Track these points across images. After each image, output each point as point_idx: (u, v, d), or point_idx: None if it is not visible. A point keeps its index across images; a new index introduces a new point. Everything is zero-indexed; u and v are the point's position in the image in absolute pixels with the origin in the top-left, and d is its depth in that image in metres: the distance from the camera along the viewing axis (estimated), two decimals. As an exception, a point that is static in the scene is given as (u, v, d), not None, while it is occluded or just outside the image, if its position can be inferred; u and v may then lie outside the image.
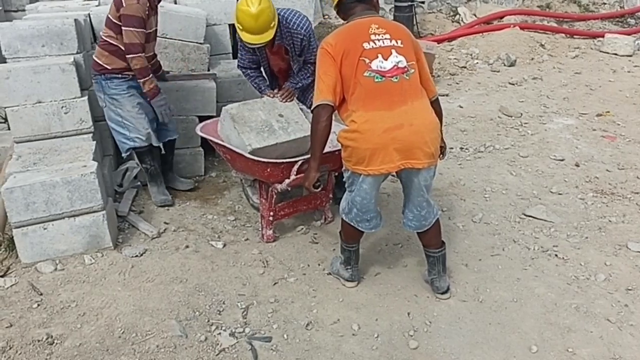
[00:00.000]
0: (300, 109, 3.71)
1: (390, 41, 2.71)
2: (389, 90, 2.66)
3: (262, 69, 3.86)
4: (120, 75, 3.74)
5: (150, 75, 3.71)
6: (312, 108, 2.80)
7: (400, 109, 2.67)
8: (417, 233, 3.05)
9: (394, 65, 2.68)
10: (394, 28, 2.81)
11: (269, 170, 3.31)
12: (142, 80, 3.68)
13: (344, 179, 2.96)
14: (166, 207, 3.96)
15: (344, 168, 2.90)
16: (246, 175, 3.86)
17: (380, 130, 2.65)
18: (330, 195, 3.80)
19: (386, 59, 2.68)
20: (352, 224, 2.99)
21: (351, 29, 2.77)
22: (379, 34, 2.71)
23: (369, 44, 2.68)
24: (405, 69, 2.70)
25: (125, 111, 3.79)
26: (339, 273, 3.18)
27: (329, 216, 3.80)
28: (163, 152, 4.04)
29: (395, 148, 2.66)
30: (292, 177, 3.27)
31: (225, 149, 3.54)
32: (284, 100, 3.70)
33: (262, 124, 3.52)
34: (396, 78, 2.67)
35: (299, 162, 3.26)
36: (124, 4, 3.56)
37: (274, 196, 3.46)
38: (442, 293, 3.05)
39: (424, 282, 3.17)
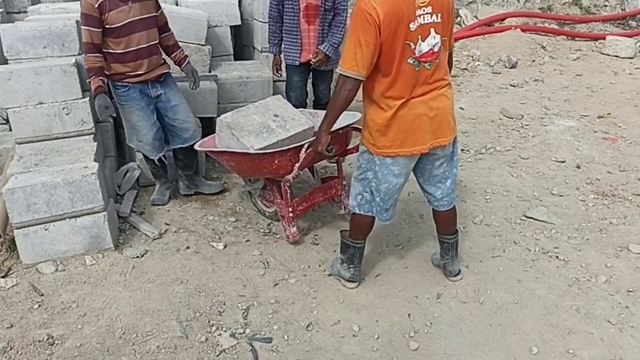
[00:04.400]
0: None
1: (431, 17, 2.56)
2: (424, 79, 2.63)
3: (291, 8, 4.22)
4: (119, 83, 3.63)
5: (93, 76, 3.45)
6: (341, 72, 2.60)
7: (430, 95, 2.69)
8: (438, 217, 3.10)
9: (430, 49, 2.58)
10: None
11: (276, 161, 3.29)
12: (87, 80, 3.52)
13: (356, 171, 2.95)
14: (167, 209, 3.96)
15: (361, 150, 2.89)
16: (254, 185, 3.83)
17: (413, 116, 2.66)
18: (344, 183, 3.78)
19: (424, 40, 2.56)
20: (369, 214, 2.98)
21: None
22: (422, 7, 2.52)
23: (414, 23, 2.51)
24: (439, 54, 2.63)
25: (127, 117, 3.74)
26: (340, 274, 3.18)
27: (347, 204, 3.71)
28: (164, 162, 3.92)
29: (426, 130, 2.70)
30: (302, 160, 3.24)
31: (228, 155, 3.51)
32: (316, 65, 4.22)
33: (259, 126, 3.52)
34: (429, 65, 2.61)
35: (305, 145, 3.26)
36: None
37: (288, 191, 3.44)
38: (455, 275, 3.20)
39: (424, 281, 3.18)
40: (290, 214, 3.50)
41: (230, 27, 5.20)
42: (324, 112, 3.92)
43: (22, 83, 3.56)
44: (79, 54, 3.83)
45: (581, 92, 6.68)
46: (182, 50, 4.01)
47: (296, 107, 4.32)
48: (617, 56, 8.22)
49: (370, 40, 2.48)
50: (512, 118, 5.78)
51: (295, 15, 4.24)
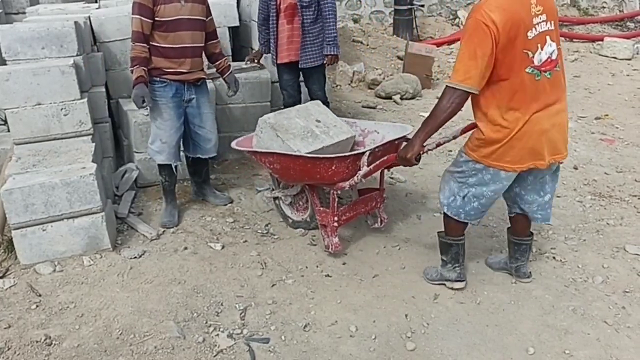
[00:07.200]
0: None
1: (546, 24, 2.52)
2: (545, 89, 2.55)
3: (271, 9, 4.34)
4: (158, 79, 3.60)
5: (137, 65, 3.50)
6: (451, 85, 2.54)
7: (553, 108, 2.61)
8: (519, 222, 3.05)
9: (548, 57, 2.53)
10: (550, 5, 2.56)
11: (334, 167, 3.14)
12: (130, 69, 3.55)
13: (455, 169, 2.86)
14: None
15: (464, 159, 2.79)
16: (287, 192, 3.66)
17: (537, 133, 2.58)
18: (385, 195, 3.70)
19: (542, 49, 2.51)
20: (461, 219, 2.90)
21: (514, 4, 2.44)
22: (538, 15, 2.48)
23: (532, 31, 2.47)
24: (557, 61, 2.57)
25: (156, 115, 3.67)
26: (444, 277, 3.09)
27: (385, 217, 3.66)
28: (174, 172, 3.82)
29: (547, 146, 2.64)
30: (364, 168, 3.12)
31: (274, 157, 3.35)
32: (329, 65, 4.40)
33: (303, 130, 3.45)
34: (549, 74, 2.54)
35: (367, 153, 3.18)
36: None
37: (336, 199, 3.31)
38: (528, 277, 3.16)
39: (421, 282, 3.17)
40: (335, 224, 3.35)
41: (229, 28, 5.21)
42: (363, 122, 3.85)
43: (21, 84, 3.57)
44: (77, 55, 3.84)
45: (579, 94, 6.70)
46: (227, 59, 4.04)
47: (289, 104, 4.33)
48: (615, 57, 8.25)
49: (486, 51, 2.42)
50: (510, 119, 5.78)
51: (276, 16, 4.35)
